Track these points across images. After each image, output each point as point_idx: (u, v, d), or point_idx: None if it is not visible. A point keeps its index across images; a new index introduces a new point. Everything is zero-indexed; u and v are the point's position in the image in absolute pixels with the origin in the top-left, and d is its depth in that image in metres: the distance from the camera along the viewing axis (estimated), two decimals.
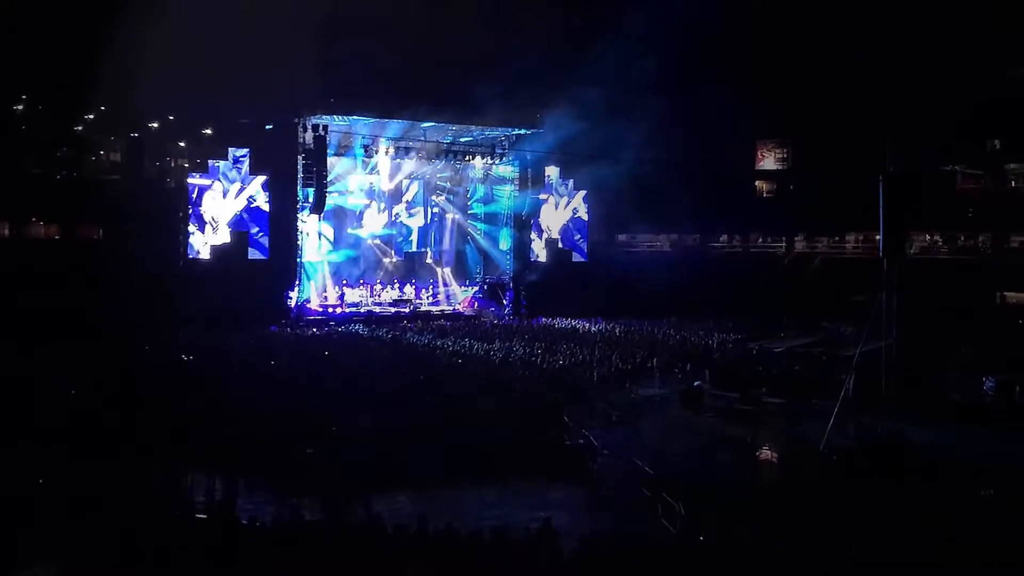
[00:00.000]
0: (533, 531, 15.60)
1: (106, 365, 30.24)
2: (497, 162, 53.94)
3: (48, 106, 50.43)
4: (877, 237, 28.20)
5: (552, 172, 56.51)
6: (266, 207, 47.21)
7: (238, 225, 46.63)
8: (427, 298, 53.85)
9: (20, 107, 50.45)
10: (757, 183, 61.89)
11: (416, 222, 54.84)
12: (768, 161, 61.59)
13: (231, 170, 46.52)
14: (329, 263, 50.86)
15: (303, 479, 20.34)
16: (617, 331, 44.60)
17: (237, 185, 46.53)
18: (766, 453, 24.94)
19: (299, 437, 22.51)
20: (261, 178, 46.99)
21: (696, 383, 31.43)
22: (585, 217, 57.90)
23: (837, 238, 54.88)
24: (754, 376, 32.57)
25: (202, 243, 46.00)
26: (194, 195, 46.09)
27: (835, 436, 24.27)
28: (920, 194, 37.79)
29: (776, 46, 50.57)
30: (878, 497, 19.79)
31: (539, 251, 56.52)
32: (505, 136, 52.79)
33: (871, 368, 26.92)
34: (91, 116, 51.32)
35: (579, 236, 57.75)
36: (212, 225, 45.99)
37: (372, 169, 51.89)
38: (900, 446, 23.08)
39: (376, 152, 49.77)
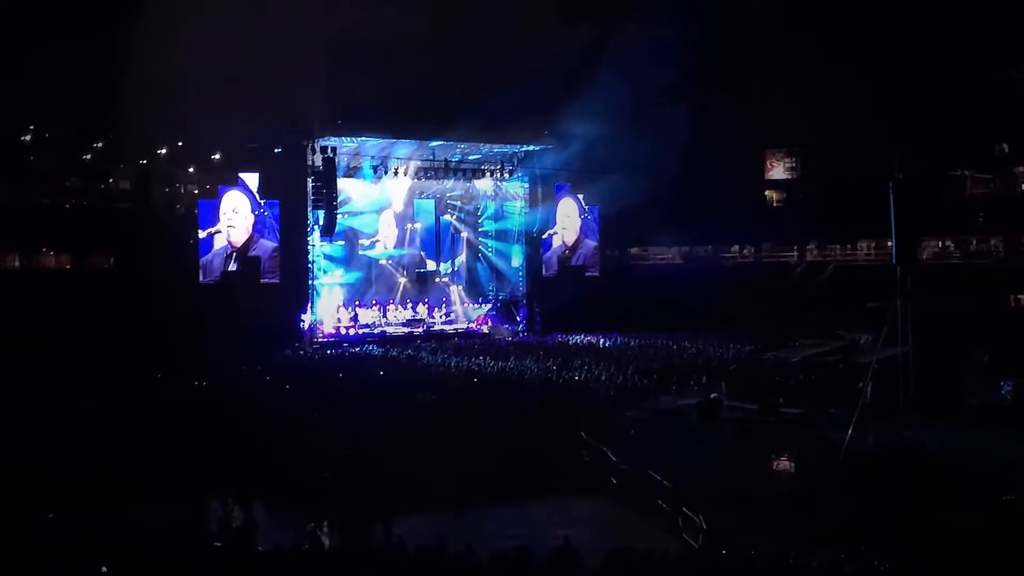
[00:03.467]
0: (554, 550, 15.53)
1: (120, 394, 30.21)
2: (507, 179, 54.03)
3: (56, 135, 50.68)
4: (889, 244, 28.15)
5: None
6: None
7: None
8: (440, 317, 53.79)
9: (28, 137, 50.70)
10: (767, 192, 61.81)
11: (427, 241, 54.79)
12: (778, 170, 61.51)
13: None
14: (341, 284, 50.84)
15: (321, 503, 20.32)
16: (632, 345, 44.53)
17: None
18: (785, 463, 24.84)
19: (317, 460, 22.49)
20: None
21: (713, 395, 31.27)
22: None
23: (849, 246, 54.75)
24: (771, 386, 32.43)
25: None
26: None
27: (854, 444, 24.18)
28: (930, 200, 37.75)
29: (780, 55, 50.60)
30: (898, 504, 19.66)
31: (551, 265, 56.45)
32: (514, 153, 52.86)
33: (888, 375, 26.83)
34: (99, 144, 51.55)
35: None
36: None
37: (382, 189, 51.91)
38: (919, 453, 22.97)
39: (386, 172, 49.91)
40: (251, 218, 46.62)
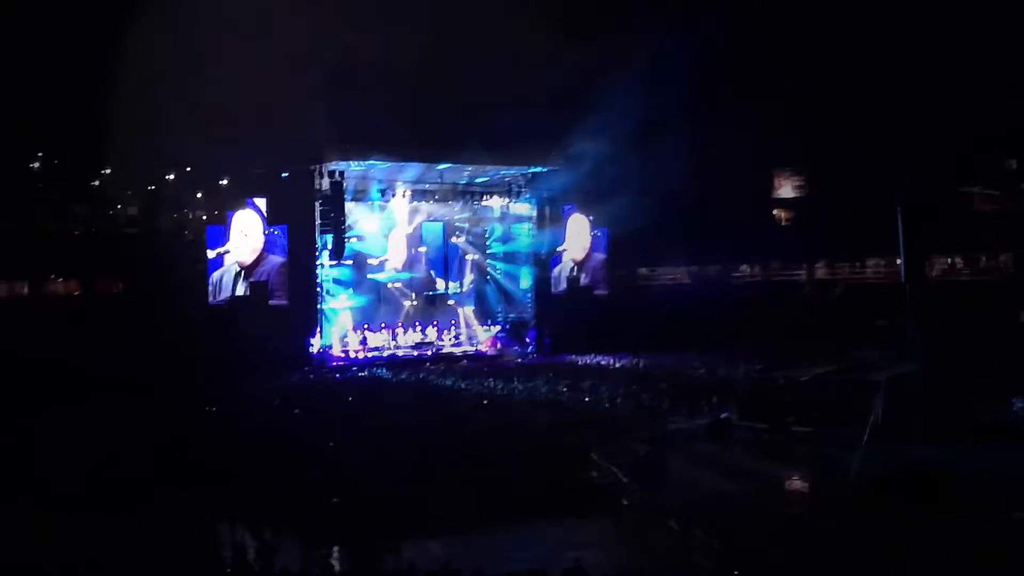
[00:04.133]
0: (565, 572, 15.44)
1: (132, 421, 30.23)
2: (514, 201, 54.09)
3: (63, 162, 50.90)
4: (898, 261, 28.09)
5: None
6: None
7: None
8: (449, 339, 53.71)
9: (36, 164, 50.95)
10: (775, 211, 61.79)
11: (435, 264, 54.82)
12: (786, 189, 61.51)
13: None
14: (350, 308, 50.84)
15: (330, 528, 20.25)
16: (641, 365, 44.43)
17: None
18: (797, 483, 24.71)
19: (325, 485, 22.43)
20: None
21: (723, 415, 31.14)
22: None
23: (858, 264, 54.63)
24: (781, 405, 32.28)
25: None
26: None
27: (866, 463, 24.03)
28: (939, 217, 37.65)
29: (787, 74, 50.65)
30: (912, 524, 19.52)
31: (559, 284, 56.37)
32: (521, 174, 52.92)
33: (899, 393, 26.70)
34: (107, 171, 51.75)
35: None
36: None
37: (390, 213, 51.98)
38: (932, 470, 22.81)
39: (393, 196, 50.01)
40: (261, 238, 46.67)
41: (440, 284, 54.97)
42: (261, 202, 46.82)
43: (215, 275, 45.93)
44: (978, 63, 45.85)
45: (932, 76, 46.72)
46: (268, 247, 46.68)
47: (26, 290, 46.78)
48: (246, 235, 46.38)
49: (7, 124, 44.79)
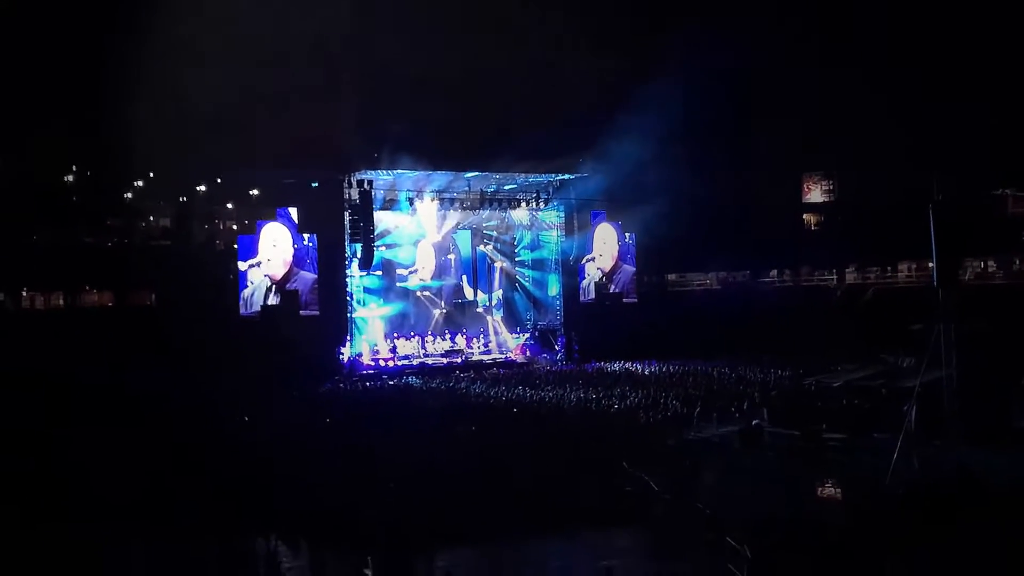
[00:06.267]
0: None
1: (162, 431, 30.40)
2: (542, 208, 54.14)
3: (97, 176, 51.45)
4: (930, 265, 27.89)
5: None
6: None
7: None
8: (479, 347, 53.81)
9: (70, 178, 51.50)
10: (805, 216, 61.55)
11: (464, 272, 54.93)
12: (815, 193, 61.29)
13: None
14: (380, 317, 51.00)
15: (364, 538, 20.31)
16: (671, 372, 44.32)
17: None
18: (830, 490, 24.57)
19: (359, 495, 22.51)
20: None
21: (755, 422, 31.01)
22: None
23: (889, 268, 54.29)
24: (813, 412, 32.10)
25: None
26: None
27: (900, 470, 23.87)
28: (971, 220, 37.39)
29: (817, 78, 50.51)
30: (947, 531, 19.36)
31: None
32: (549, 182, 52.94)
33: (932, 399, 26.49)
34: (140, 183, 52.28)
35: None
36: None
37: (419, 221, 52.12)
38: (967, 477, 22.62)
39: (422, 204, 50.16)
40: (291, 251, 46.88)
41: (469, 292, 55.10)
42: (292, 211, 47.04)
43: (246, 292, 46.11)
44: (1011, 66, 45.47)
45: (964, 79, 46.41)
46: (298, 262, 46.91)
47: (61, 301, 47.29)
48: (275, 246, 46.54)
49: (41, 138, 45.39)
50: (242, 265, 46.12)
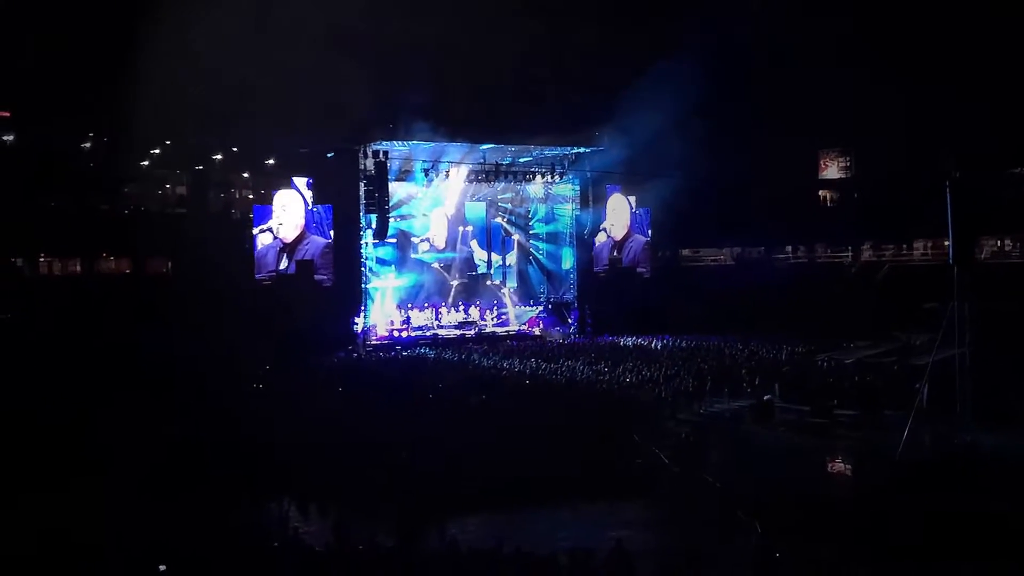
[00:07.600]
0: (607, 553, 15.55)
1: (179, 397, 30.63)
2: (557, 181, 54.08)
3: (114, 143, 51.54)
4: (946, 243, 27.78)
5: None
6: None
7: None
8: (492, 319, 53.92)
9: (87, 145, 51.59)
10: (821, 192, 61.28)
11: (479, 243, 54.99)
12: (831, 170, 61.02)
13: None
14: (394, 287, 51.13)
15: (376, 504, 20.49)
16: (684, 347, 44.36)
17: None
18: (840, 466, 24.65)
19: (372, 463, 22.70)
20: None
21: (766, 397, 31.07)
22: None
23: (904, 245, 54.04)
24: (825, 388, 32.16)
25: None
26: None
27: (910, 447, 23.92)
28: (988, 198, 37.17)
29: (834, 53, 50.19)
30: (955, 509, 19.42)
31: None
32: (564, 155, 52.84)
33: (945, 377, 26.48)
34: (156, 151, 52.36)
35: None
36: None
37: (433, 193, 52.16)
38: (977, 456, 22.66)
39: (437, 175, 50.16)
40: (302, 215, 47.01)
41: (483, 264, 55.17)
42: (300, 182, 47.12)
43: (259, 252, 46.34)
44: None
45: (981, 54, 46.06)
46: (309, 226, 47.01)
47: (78, 268, 47.56)
48: (285, 209, 46.67)
49: (59, 106, 45.48)
50: (255, 230, 46.35)
